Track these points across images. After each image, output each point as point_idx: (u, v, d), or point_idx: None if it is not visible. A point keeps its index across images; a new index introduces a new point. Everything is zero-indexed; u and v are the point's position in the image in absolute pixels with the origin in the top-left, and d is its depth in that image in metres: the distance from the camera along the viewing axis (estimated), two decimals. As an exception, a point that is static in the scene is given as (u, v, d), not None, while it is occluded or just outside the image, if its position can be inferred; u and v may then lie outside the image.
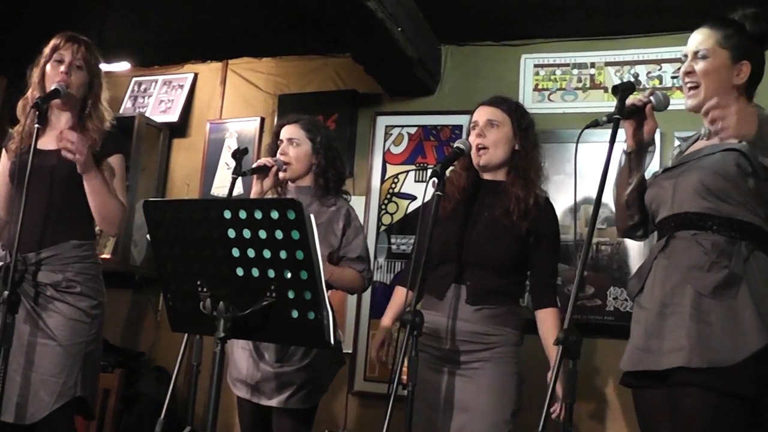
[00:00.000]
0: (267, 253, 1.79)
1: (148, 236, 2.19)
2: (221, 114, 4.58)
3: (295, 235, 1.73)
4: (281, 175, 2.90)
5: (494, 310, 2.46)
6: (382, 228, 4.03)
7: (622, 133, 2.11)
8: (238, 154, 2.83)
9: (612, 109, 2.02)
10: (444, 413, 2.43)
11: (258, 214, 1.77)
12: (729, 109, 1.78)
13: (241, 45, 4.44)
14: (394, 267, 3.96)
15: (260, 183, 2.88)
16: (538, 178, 2.56)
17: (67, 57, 2.67)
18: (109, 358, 3.81)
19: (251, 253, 1.81)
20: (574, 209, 2.28)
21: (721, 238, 2.01)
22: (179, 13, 4.02)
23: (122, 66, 4.75)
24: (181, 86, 4.69)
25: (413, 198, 4.01)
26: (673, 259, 2.07)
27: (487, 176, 2.61)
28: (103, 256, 4.10)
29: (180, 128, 4.63)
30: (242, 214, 1.79)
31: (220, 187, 4.40)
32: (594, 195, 1.87)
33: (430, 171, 2.49)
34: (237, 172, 2.81)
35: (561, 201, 3.24)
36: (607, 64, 3.82)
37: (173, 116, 4.61)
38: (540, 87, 3.91)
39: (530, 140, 2.59)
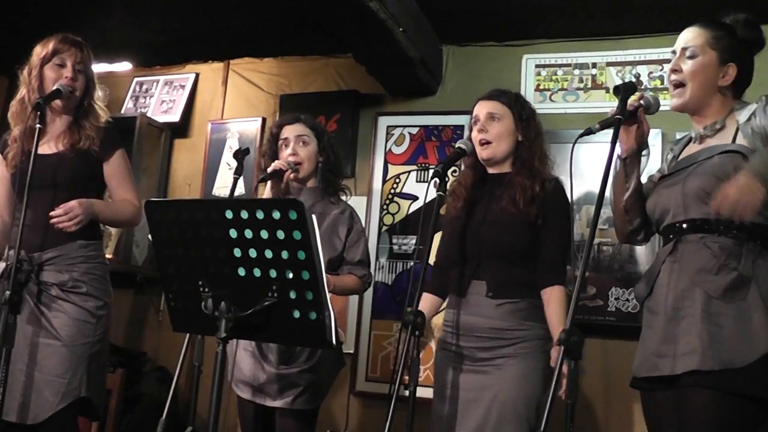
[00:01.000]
0: (269, 253, 1.79)
1: (149, 236, 2.19)
2: (223, 114, 4.58)
3: (297, 235, 1.73)
4: (292, 176, 2.86)
5: (516, 304, 2.44)
6: (384, 228, 4.03)
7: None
8: (240, 155, 2.83)
9: (612, 109, 2.02)
10: (467, 410, 2.41)
11: (260, 214, 1.77)
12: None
13: (242, 45, 4.44)
14: (396, 267, 3.96)
15: (274, 188, 2.84)
16: (544, 166, 2.55)
17: (70, 61, 2.69)
18: (110, 359, 3.79)
19: (253, 253, 1.81)
20: (572, 212, 2.27)
21: (728, 241, 2.00)
22: (181, 14, 4.02)
23: (124, 66, 4.75)
24: (183, 86, 4.69)
25: (415, 198, 4.01)
26: (682, 262, 2.06)
27: (492, 170, 2.61)
28: (105, 256, 4.10)
29: (181, 128, 4.63)
30: (244, 215, 1.79)
31: (221, 188, 4.40)
32: (596, 195, 1.87)
33: (431, 171, 2.49)
34: (238, 172, 2.80)
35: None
36: (609, 64, 3.82)
37: (175, 116, 4.61)
38: (541, 87, 3.91)
39: (532, 130, 2.58)
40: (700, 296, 1.99)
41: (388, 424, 2.09)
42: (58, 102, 2.67)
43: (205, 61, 4.68)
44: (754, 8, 2.22)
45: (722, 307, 1.97)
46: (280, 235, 1.75)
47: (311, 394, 2.70)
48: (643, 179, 2.28)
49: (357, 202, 3.47)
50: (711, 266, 2.00)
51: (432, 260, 2.68)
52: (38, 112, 2.54)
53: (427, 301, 2.62)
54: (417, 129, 4.09)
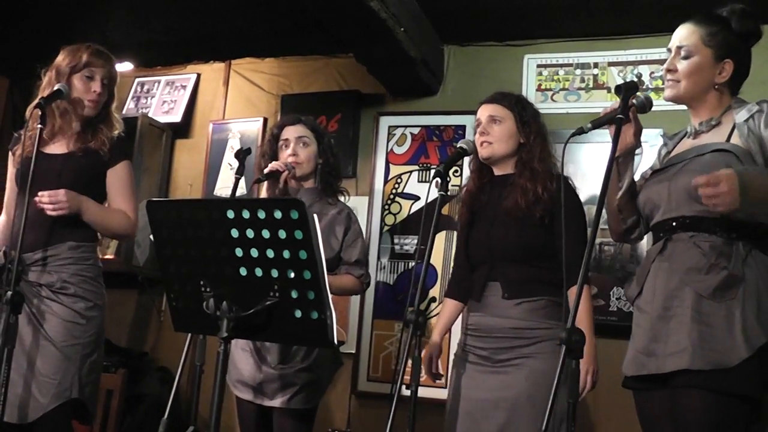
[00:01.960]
0: (270, 253, 1.78)
1: (151, 237, 2.19)
2: (224, 114, 4.59)
3: (299, 234, 1.73)
4: (289, 176, 2.87)
5: (534, 303, 2.44)
6: (386, 228, 4.03)
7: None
8: (241, 155, 2.82)
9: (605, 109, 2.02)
10: (486, 412, 2.41)
11: (261, 214, 1.76)
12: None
13: (243, 45, 4.44)
14: (397, 267, 3.96)
15: (272, 189, 2.86)
16: (547, 167, 2.54)
17: (99, 74, 2.73)
18: (112, 359, 3.81)
19: (254, 252, 1.80)
20: (562, 213, 2.26)
21: (718, 240, 1.99)
22: (182, 14, 4.03)
23: (125, 66, 4.74)
24: (184, 87, 4.70)
25: (416, 198, 4.01)
26: (672, 261, 2.05)
27: (497, 171, 2.63)
28: (107, 256, 4.11)
29: (183, 129, 4.64)
30: (245, 214, 1.79)
31: (223, 188, 4.40)
32: (597, 194, 1.86)
33: (433, 171, 2.49)
34: (240, 172, 2.80)
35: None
36: (610, 64, 3.82)
37: (176, 117, 4.62)
38: (543, 87, 3.91)
39: (534, 131, 2.58)
40: (690, 295, 1.99)
41: (389, 424, 2.09)
42: (78, 109, 2.70)
43: (207, 61, 4.68)
44: (754, 8, 2.20)
45: (712, 307, 1.96)
46: (282, 234, 1.75)
47: (308, 393, 2.70)
48: (637, 178, 2.27)
49: (358, 202, 3.48)
50: (701, 265, 1.99)
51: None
52: (39, 112, 2.54)
53: (449, 307, 2.70)
54: (418, 129, 4.09)
